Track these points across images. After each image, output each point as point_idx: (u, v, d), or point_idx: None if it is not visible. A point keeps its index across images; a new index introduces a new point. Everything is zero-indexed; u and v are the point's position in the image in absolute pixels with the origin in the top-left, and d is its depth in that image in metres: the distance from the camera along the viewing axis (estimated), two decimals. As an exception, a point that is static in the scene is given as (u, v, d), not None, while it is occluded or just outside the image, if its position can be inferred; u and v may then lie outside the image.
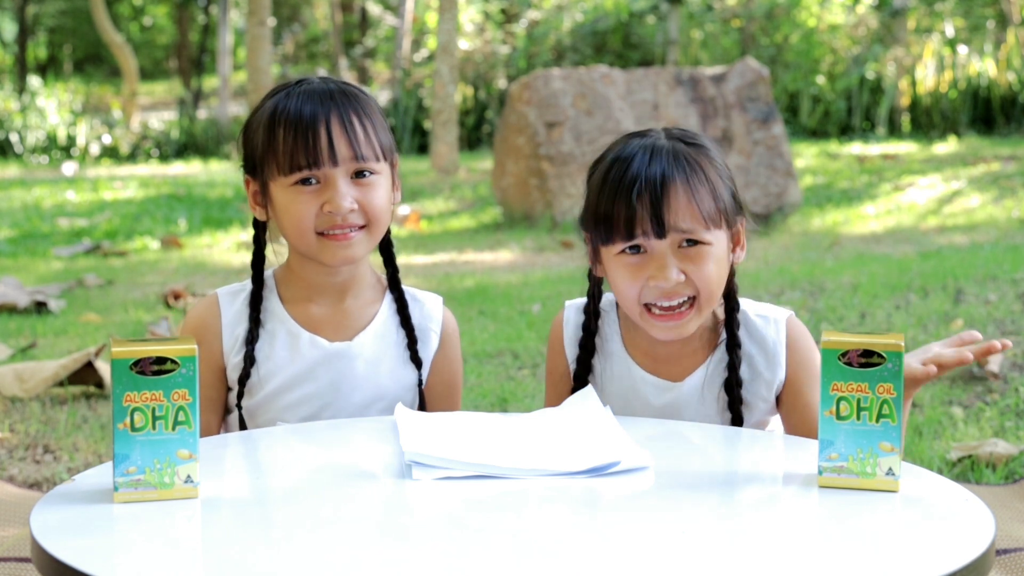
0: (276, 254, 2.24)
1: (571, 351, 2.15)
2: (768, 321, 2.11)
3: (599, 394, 2.04)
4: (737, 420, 2.09)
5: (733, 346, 2.08)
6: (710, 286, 1.99)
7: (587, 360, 2.13)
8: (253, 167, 2.15)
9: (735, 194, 2.04)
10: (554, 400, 2.15)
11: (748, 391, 2.10)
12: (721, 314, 2.11)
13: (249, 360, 2.14)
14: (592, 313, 2.14)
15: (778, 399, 2.13)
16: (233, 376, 2.17)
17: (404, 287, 2.21)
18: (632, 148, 2.00)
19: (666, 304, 1.99)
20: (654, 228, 1.95)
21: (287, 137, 2.07)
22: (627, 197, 1.95)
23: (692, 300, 2.00)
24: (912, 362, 2.00)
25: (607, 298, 2.17)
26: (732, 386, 2.07)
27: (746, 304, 2.12)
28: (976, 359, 1.99)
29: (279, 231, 2.16)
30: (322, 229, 2.09)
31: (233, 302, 2.18)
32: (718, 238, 2.00)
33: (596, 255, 2.07)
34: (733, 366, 2.07)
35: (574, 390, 2.10)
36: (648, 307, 2.00)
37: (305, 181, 2.07)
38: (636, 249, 1.98)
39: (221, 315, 2.17)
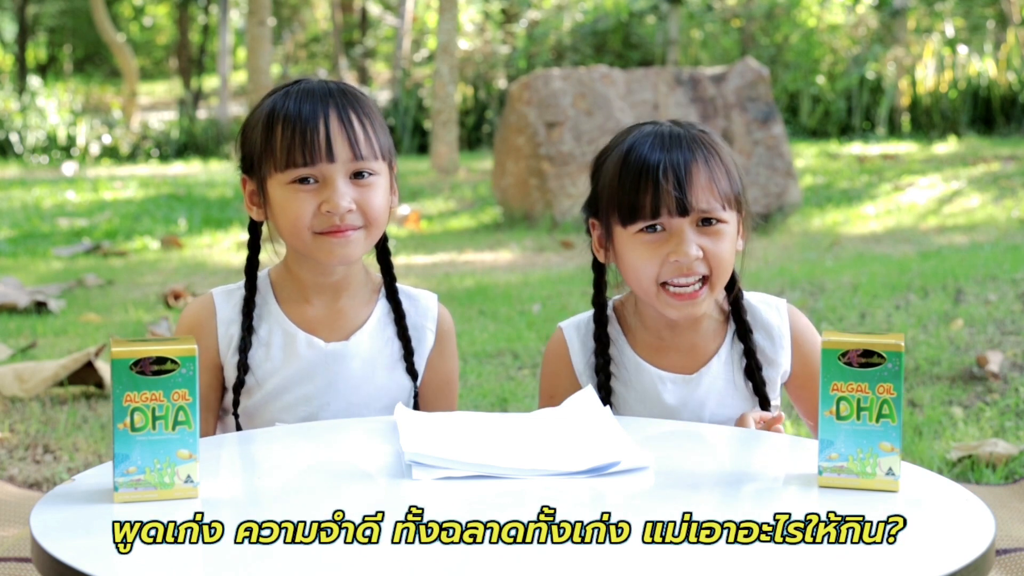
0: (277, 255, 2.23)
1: (579, 363, 2.16)
2: (770, 306, 2.17)
3: (616, 400, 2.10)
4: (764, 405, 2.14)
5: (745, 332, 2.13)
6: (723, 264, 2.06)
7: (605, 356, 2.13)
8: (250, 165, 2.13)
9: (742, 181, 2.12)
10: None
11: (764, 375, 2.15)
12: (727, 305, 2.16)
13: (243, 368, 2.13)
14: (601, 305, 2.16)
15: (785, 386, 2.20)
16: (230, 377, 2.16)
17: (399, 286, 2.20)
18: (647, 134, 2.08)
19: (682, 282, 2.04)
20: (677, 206, 2.02)
21: (285, 133, 2.05)
22: (653, 178, 2.02)
23: (704, 280, 2.05)
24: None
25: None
26: (753, 371, 2.13)
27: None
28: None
29: (275, 231, 2.15)
30: (320, 229, 2.06)
31: (228, 300, 2.17)
32: (732, 219, 2.07)
33: (606, 240, 2.11)
34: (750, 351, 2.13)
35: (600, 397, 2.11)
36: (664, 286, 2.05)
37: (303, 180, 2.05)
38: (653, 228, 2.04)
39: (216, 313, 2.16)
